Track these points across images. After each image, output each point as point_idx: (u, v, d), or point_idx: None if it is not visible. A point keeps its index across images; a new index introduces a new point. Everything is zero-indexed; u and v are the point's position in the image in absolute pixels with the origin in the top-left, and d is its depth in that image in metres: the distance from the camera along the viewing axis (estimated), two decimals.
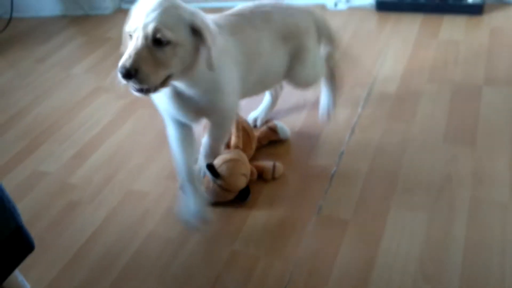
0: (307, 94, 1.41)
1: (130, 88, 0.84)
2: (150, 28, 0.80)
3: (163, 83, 0.85)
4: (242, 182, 1.08)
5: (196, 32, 0.84)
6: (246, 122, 1.21)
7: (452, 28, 1.57)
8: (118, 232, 1.11)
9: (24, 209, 1.18)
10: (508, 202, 0.96)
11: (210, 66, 0.85)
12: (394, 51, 1.53)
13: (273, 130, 1.23)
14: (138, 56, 0.80)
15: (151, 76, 0.81)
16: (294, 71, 1.11)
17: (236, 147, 1.14)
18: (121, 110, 1.56)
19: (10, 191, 0.84)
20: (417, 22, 1.65)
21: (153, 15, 0.80)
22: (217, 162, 1.07)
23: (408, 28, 1.64)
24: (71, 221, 1.18)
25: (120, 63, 0.80)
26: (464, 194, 1.00)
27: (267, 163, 1.14)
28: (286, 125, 1.26)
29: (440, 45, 1.50)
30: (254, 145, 1.19)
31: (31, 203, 1.22)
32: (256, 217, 1.06)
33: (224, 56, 0.92)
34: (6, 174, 1.35)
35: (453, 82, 1.33)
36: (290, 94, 1.42)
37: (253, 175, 1.11)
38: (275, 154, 1.21)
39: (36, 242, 0.86)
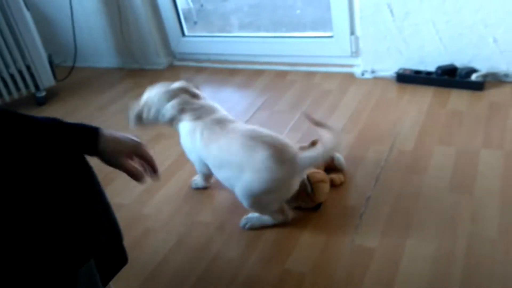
0: (340, 147, 1.71)
1: None
2: None
3: None
4: (323, 199, 1.45)
5: None
6: None
7: (458, 101, 1.87)
8: (188, 255, 1.37)
9: None
10: (496, 237, 1.24)
11: None
12: (410, 116, 1.83)
13: (332, 158, 1.57)
14: None
15: None
16: None
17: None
18: (180, 154, 1.76)
19: None
20: (429, 94, 1.95)
21: None
22: (314, 178, 1.40)
23: (422, 98, 1.93)
24: (147, 245, 1.44)
25: None
26: (463, 231, 1.27)
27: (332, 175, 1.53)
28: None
29: (448, 114, 1.80)
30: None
31: None
32: (302, 245, 1.35)
33: None
34: None
35: (457, 144, 1.62)
36: None
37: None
38: None
39: None
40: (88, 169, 0.94)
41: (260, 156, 1.26)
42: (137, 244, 1.45)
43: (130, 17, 2.64)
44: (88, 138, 0.94)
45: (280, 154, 1.26)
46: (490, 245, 1.23)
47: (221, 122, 1.41)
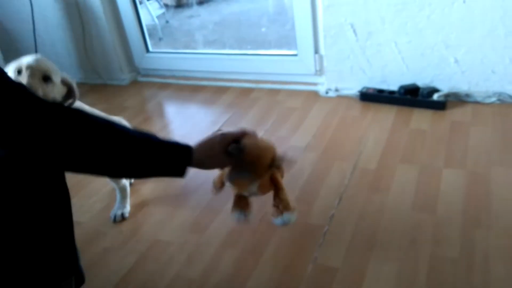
0: (304, 165, 1.71)
1: None
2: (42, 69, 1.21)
3: None
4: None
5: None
6: None
7: (420, 120, 1.89)
8: (147, 274, 1.32)
9: None
10: (458, 257, 1.23)
11: None
12: (373, 135, 1.83)
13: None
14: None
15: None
16: None
17: None
18: None
19: None
20: (392, 113, 1.97)
21: (40, 62, 1.22)
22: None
23: (385, 117, 1.94)
24: (105, 264, 1.38)
25: None
26: (425, 251, 1.26)
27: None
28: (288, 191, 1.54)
29: (410, 132, 1.81)
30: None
31: None
32: (264, 264, 1.31)
33: None
34: None
35: (419, 163, 1.62)
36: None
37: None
38: None
39: None
40: (65, 185, 0.94)
41: None
42: (95, 263, 1.39)
43: (93, 32, 2.60)
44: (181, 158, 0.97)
45: None
46: (452, 266, 1.21)
47: None
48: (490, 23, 1.81)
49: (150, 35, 2.71)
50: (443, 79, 1.98)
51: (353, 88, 2.15)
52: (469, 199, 1.43)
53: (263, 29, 2.94)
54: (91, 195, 1.71)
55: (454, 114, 1.90)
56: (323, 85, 2.24)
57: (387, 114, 1.97)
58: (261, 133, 1.97)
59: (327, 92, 2.21)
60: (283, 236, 1.39)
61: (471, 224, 1.33)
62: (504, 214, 1.35)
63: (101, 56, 2.67)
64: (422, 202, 1.45)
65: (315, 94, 2.25)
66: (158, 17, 3.41)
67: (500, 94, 1.92)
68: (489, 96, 1.94)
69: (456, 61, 1.92)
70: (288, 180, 1.62)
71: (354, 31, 2.02)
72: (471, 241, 1.28)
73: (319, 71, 2.26)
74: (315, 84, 2.28)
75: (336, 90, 2.19)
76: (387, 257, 1.27)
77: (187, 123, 2.19)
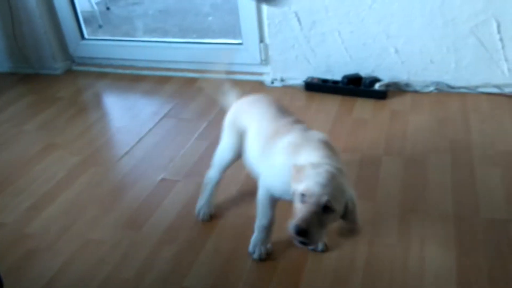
0: None
1: (296, 240, 0.99)
2: (324, 199, 0.96)
3: None
4: None
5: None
6: None
7: (363, 109, 1.90)
8: (76, 276, 1.25)
9: None
10: (396, 243, 1.24)
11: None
12: (318, 125, 1.81)
13: None
14: (311, 219, 0.96)
15: (316, 237, 0.98)
16: None
17: None
18: (75, 165, 1.70)
19: None
20: (336, 102, 1.97)
21: (328, 189, 0.96)
22: None
23: (329, 106, 1.94)
24: (30, 268, 1.29)
25: (297, 222, 0.96)
26: (364, 238, 1.26)
27: None
28: (232, 180, 1.50)
29: (353, 121, 1.82)
30: None
31: None
32: (203, 259, 1.26)
33: None
34: None
35: (361, 151, 1.63)
36: None
37: None
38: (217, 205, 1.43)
39: None
40: None
41: None
42: (18, 267, 1.29)
43: (23, 18, 2.43)
44: None
45: None
46: (390, 252, 1.22)
47: None
48: (429, 13, 1.84)
49: (89, 22, 2.57)
50: (384, 69, 2.00)
51: (298, 78, 2.13)
52: (406, 186, 1.45)
53: (210, 18, 2.88)
54: (18, 193, 1.59)
55: (394, 103, 1.93)
56: (268, 75, 2.21)
57: (331, 104, 1.97)
58: (204, 124, 1.92)
59: (272, 82, 2.18)
60: (223, 230, 1.35)
61: (408, 210, 1.35)
62: (439, 199, 1.38)
63: (32, 43, 2.50)
64: (362, 189, 1.45)
65: (261, 84, 2.21)
66: (97, 3, 3.25)
67: (438, 83, 1.97)
68: (427, 86, 1.98)
69: (397, 51, 1.95)
70: (229, 174, 1.58)
71: (299, 19, 2.00)
72: (408, 226, 1.29)
73: (265, 61, 2.22)
74: (260, 74, 2.24)
75: (282, 80, 2.17)
76: (327, 245, 1.26)
77: (125, 115, 2.10)
